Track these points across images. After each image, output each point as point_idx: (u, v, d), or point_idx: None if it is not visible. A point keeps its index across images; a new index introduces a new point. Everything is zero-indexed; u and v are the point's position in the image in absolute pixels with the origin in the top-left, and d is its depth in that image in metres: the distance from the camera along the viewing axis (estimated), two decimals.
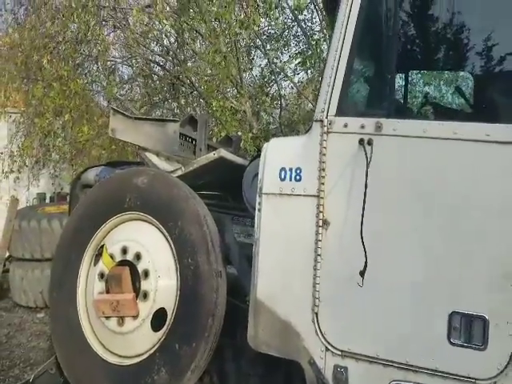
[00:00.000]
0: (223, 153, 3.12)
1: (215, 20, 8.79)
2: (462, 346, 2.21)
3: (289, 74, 11.17)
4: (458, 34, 2.90)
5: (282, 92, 11.14)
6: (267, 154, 2.67)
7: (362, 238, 2.31)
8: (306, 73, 10.97)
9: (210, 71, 9.81)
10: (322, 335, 2.49)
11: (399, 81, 3.25)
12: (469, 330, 2.19)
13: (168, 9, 9.64)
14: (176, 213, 2.83)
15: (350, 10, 2.50)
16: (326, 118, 2.52)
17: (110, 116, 3.64)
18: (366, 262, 2.31)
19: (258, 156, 2.79)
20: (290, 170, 2.57)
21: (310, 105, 10.62)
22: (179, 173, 3.15)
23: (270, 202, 2.61)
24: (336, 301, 2.47)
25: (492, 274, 2.17)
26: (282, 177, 2.58)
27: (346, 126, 2.48)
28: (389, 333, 2.36)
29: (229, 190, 3.59)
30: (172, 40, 11.29)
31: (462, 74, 3.53)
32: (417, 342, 2.31)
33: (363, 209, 2.32)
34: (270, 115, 10.48)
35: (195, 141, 3.85)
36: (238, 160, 3.25)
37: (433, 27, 2.92)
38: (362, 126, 2.44)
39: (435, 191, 2.31)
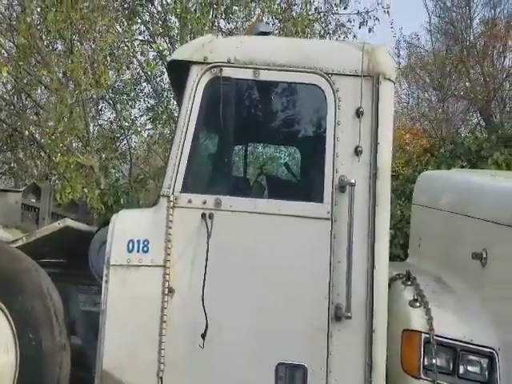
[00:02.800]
0: (69, 222, 3.16)
1: (63, 74, 8.64)
2: None
3: (139, 129, 11.34)
4: (282, 118, 3.39)
5: (132, 146, 11.24)
6: (115, 226, 2.81)
7: (203, 303, 2.57)
8: (156, 128, 11.26)
9: (52, 123, 9.46)
10: None
11: (237, 160, 3.73)
12: (292, 378, 2.58)
13: (6, 54, 9.16)
14: (17, 287, 2.76)
15: (195, 96, 2.87)
16: (172, 193, 2.79)
17: None
18: (206, 325, 2.56)
19: (105, 224, 2.91)
20: (138, 241, 2.74)
21: (160, 160, 10.88)
22: (20, 243, 3.08)
23: (117, 274, 2.73)
24: (180, 364, 2.66)
25: (306, 327, 2.62)
26: (130, 248, 2.74)
27: (190, 201, 2.77)
28: None
29: (74, 258, 3.57)
30: (9, 87, 10.65)
31: (289, 150, 4.16)
32: None
33: (204, 276, 2.60)
34: (118, 171, 10.43)
35: (38, 209, 3.78)
36: (85, 228, 3.30)
37: (265, 114, 3.35)
38: (204, 202, 2.76)
39: (264, 259, 2.71)
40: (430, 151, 9.21)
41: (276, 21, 11.85)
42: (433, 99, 19.42)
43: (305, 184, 3.31)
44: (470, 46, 18.70)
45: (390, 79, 2.90)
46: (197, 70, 2.88)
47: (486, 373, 2.75)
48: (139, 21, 10.95)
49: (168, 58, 3.14)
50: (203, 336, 2.57)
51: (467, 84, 18.48)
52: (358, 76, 2.86)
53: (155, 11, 11.03)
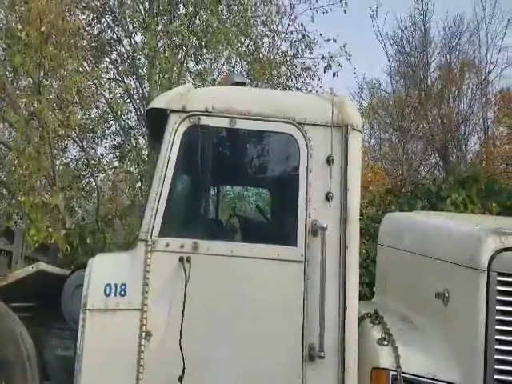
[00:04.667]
0: (42, 266, 3.15)
1: (30, 114, 8.58)
2: None
3: (105, 167, 11.27)
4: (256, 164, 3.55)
5: (99, 184, 11.12)
6: (92, 270, 2.83)
7: (180, 346, 2.61)
8: (124, 166, 11.20)
9: (16, 161, 9.28)
10: None
11: (214, 205, 3.84)
12: None
13: None
14: None
15: (173, 142, 2.99)
16: (150, 237, 2.85)
17: None
18: (183, 369, 2.59)
19: (78, 268, 2.92)
20: (116, 285, 2.77)
21: (126, 199, 10.80)
22: None
23: (94, 318, 2.74)
24: None
25: (282, 368, 2.68)
26: (107, 292, 2.76)
27: (167, 245, 2.84)
28: None
29: (46, 302, 3.52)
30: None
31: (264, 195, 4.30)
32: None
33: (182, 320, 2.64)
34: (84, 210, 10.28)
35: (11, 253, 3.73)
36: (58, 271, 3.29)
37: (241, 160, 3.44)
38: (182, 246, 2.83)
39: (240, 302, 2.79)
40: (392, 191, 9.60)
41: (244, 63, 12.26)
42: (393, 139, 20.25)
43: (280, 228, 3.44)
44: (428, 89, 19.76)
45: (357, 129, 3.12)
46: (175, 118, 3.01)
47: None
48: (107, 59, 11.10)
49: (148, 105, 3.25)
50: (180, 379, 2.59)
51: (426, 125, 19.41)
52: (328, 126, 3.06)
53: (123, 50, 11.22)
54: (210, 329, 2.76)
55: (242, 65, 12.54)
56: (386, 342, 3.07)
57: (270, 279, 2.84)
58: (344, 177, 3.00)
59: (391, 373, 2.94)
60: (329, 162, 3.02)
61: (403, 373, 2.93)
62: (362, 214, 8.89)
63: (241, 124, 3.06)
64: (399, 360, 2.96)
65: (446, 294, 3.11)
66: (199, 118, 3.01)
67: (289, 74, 12.77)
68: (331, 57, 11.87)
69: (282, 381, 2.72)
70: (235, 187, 4.09)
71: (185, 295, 2.67)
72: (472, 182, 7.64)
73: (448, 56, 20.18)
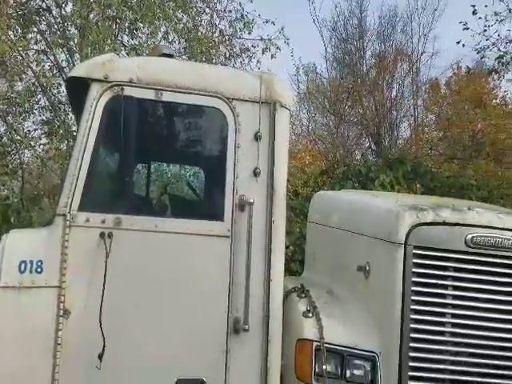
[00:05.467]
0: None
1: None
2: None
3: (32, 143, 10.64)
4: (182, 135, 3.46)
5: (25, 162, 10.51)
6: (6, 246, 2.67)
7: (100, 323, 2.53)
8: (52, 143, 10.64)
9: None
10: None
11: (139, 179, 3.73)
12: None
13: None
14: None
15: (94, 113, 2.85)
16: (69, 212, 2.72)
17: None
18: (104, 346, 2.52)
19: None
20: (31, 262, 2.63)
21: (55, 177, 10.29)
22: None
23: (7, 296, 2.59)
24: None
25: (206, 342, 2.70)
26: (22, 269, 2.62)
27: (87, 220, 2.73)
28: None
29: None
30: None
31: (192, 170, 4.24)
32: None
33: (102, 297, 2.57)
34: (9, 188, 9.69)
35: None
36: None
37: (168, 134, 3.38)
38: (103, 221, 2.73)
39: (165, 277, 2.75)
40: (326, 173, 9.87)
41: (182, 40, 11.97)
42: (330, 124, 20.75)
43: (206, 203, 3.42)
44: (363, 76, 20.35)
45: (286, 107, 3.13)
46: (97, 88, 2.88)
47: (369, 375, 3.02)
48: (35, 30, 10.41)
49: (67, 74, 3.08)
50: (100, 357, 2.53)
51: (360, 111, 20.02)
52: (256, 102, 3.05)
53: (53, 21, 10.56)
54: (133, 305, 2.70)
55: (179, 41, 12.25)
56: (310, 315, 3.16)
57: (196, 254, 2.82)
58: (271, 153, 3.02)
59: (314, 343, 3.04)
60: (256, 138, 3.02)
61: (326, 343, 3.03)
62: (297, 195, 9.12)
63: (167, 97, 2.98)
64: (322, 331, 3.06)
65: (367, 268, 3.25)
66: (122, 89, 2.89)
67: (227, 54, 12.64)
68: (270, 39, 11.88)
69: (207, 355, 2.73)
70: (163, 162, 3.98)
71: (105, 272, 2.59)
72: (399, 165, 8.01)
73: (382, 45, 20.86)
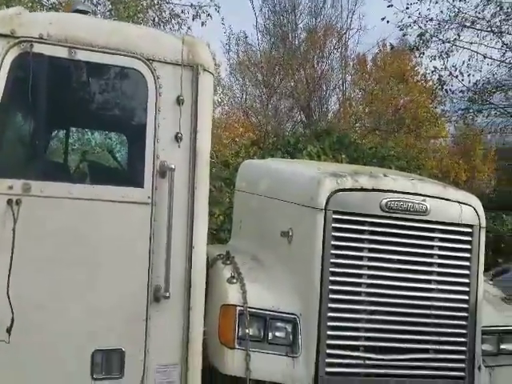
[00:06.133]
0: None
1: None
2: (103, 379, 2.57)
3: None
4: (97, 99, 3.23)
5: None
6: None
7: (8, 295, 2.38)
8: None
9: None
10: None
11: (54, 145, 3.50)
12: (109, 363, 2.57)
13: None
14: None
15: (0, 70, 2.61)
16: None
17: None
18: (12, 319, 2.38)
19: None
20: None
21: None
22: None
23: None
24: None
25: (124, 312, 2.63)
26: None
27: None
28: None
29: None
30: None
31: (110, 135, 4.02)
32: None
33: (10, 266, 2.41)
34: None
35: None
36: None
37: (82, 96, 3.15)
38: (10, 187, 2.54)
39: (82, 246, 2.63)
40: (257, 143, 9.92)
41: (108, 2, 11.35)
42: (263, 96, 20.81)
43: (125, 169, 3.29)
44: (295, 49, 20.48)
45: (209, 71, 3.05)
46: (2, 44, 2.63)
47: (290, 336, 3.12)
48: None
49: None
50: (8, 330, 2.38)
51: (292, 84, 20.20)
52: (178, 65, 2.94)
53: None
54: (45, 275, 2.56)
55: (105, 4, 11.60)
56: (234, 280, 3.19)
57: (114, 222, 2.71)
58: (194, 118, 2.94)
59: (238, 308, 3.08)
60: (179, 102, 2.93)
61: (249, 307, 3.08)
62: (228, 165, 9.11)
63: (82, 55, 2.78)
64: (246, 296, 3.10)
65: (290, 233, 3.31)
66: (32, 45, 2.66)
67: (156, 19, 12.16)
68: (200, 6, 11.57)
69: (126, 324, 2.66)
70: (77, 127, 3.75)
71: (13, 241, 2.42)
72: (326, 136, 8.22)
73: (314, 19, 21.07)
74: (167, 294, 2.70)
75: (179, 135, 2.90)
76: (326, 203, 3.13)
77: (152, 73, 2.89)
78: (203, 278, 2.95)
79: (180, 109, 2.92)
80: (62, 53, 2.74)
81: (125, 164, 3.44)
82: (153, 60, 2.90)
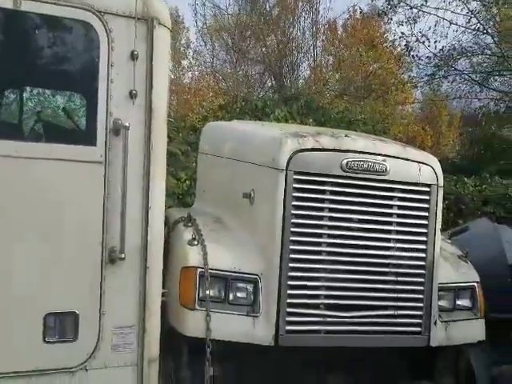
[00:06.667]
0: None
1: None
2: (56, 342, 2.52)
3: None
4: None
5: None
6: None
7: None
8: None
9: None
10: None
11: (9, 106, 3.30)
12: (62, 326, 2.52)
13: None
14: None
15: None
16: None
17: None
18: None
19: None
20: None
21: None
22: None
23: None
24: None
25: (78, 274, 2.57)
26: None
27: None
28: None
29: None
30: None
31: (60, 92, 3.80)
32: (19, 349, 2.47)
33: None
34: None
35: None
36: None
37: (28, 51, 2.89)
38: None
39: (32, 208, 2.52)
40: (225, 108, 9.77)
41: None
42: (234, 61, 20.43)
43: (76, 127, 3.15)
44: (266, 14, 20.03)
45: (165, 25, 2.91)
46: None
47: (252, 296, 3.13)
48: None
49: None
50: None
51: (263, 50, 19.85)
52: (132, 18, 2.78)
53: None
54: None
55: None
56: (195, 242, 3.16)
57: (65, 182, 2.59)
58: (149, 74, 2.81)
59: (199, 270, 3.05)
60: (133, 57, 2.78)
61: (210, 269, 3.06)
62: (195, 130, 8.95)
63: (27, 6, 2.59)
64: (207, 257, 3.07)
65: (252, 194, 3.28)
66: None
67: None
68: None
69: (80, 287, 2.59)
70: (23, 85, 3.54)
71: None
72: (294, 100, 8.15)
73: None
74: (122, 256, 2.63)
75: (133, 92, 2.77)
76: (287, 164, 3.09)
77: (104, 26, 2.73)
78: (160, 240, 2.90)
79: (134, 64, 2.78)
80: (4, 3, 2.55)
81: (77, 121, 3.29)
82: (104, 12, 2.73)
